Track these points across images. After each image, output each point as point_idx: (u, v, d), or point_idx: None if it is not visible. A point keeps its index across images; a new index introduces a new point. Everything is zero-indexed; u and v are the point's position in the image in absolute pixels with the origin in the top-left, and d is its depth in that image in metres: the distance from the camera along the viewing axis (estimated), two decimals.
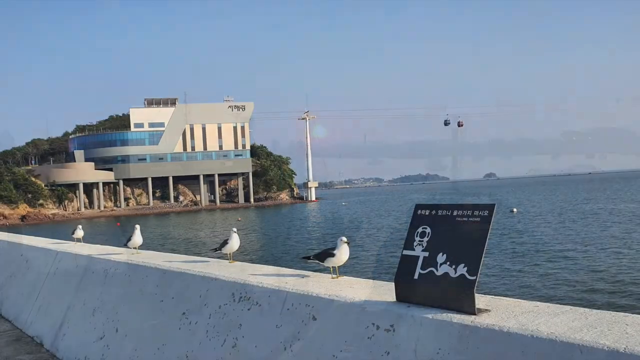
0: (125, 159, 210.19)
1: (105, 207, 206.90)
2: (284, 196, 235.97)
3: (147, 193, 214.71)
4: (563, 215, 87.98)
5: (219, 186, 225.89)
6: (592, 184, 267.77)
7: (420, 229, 4.99)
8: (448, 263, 4.56)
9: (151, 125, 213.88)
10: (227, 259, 8.44)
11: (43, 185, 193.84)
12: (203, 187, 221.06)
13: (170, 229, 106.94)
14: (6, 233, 20.85)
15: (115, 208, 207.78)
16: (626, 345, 3.45)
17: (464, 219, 4.66)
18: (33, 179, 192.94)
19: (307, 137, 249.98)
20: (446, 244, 4.69)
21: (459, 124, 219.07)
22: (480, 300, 4.63)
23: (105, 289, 9.47)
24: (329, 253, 6.41)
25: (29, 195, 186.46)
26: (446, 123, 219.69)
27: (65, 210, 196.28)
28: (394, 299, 4.99)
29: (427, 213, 5.04)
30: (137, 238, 10.08)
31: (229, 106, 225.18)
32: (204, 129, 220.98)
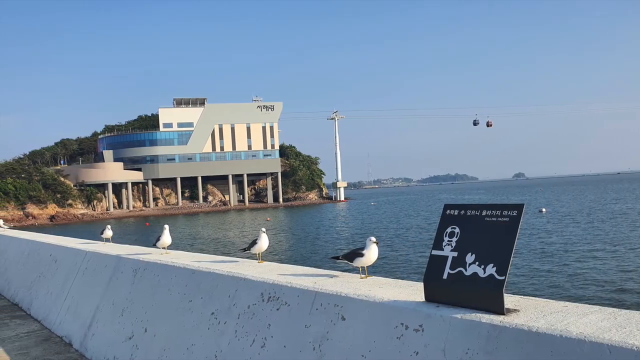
0: (154, 159, 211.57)
1: (134, 207, 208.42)
2: (313, 196, 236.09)
3: (176, 193, 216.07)
4: (592, 215, 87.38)
5: (248, 186, 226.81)
6: (621, 184, 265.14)
7: (449, 229, 5.05)
8: (477, 263, 4.62)
9: (180, 125, 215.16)
10: (256, 259, 8.52)
11: (72, 185, 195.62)
12: (232, 187, 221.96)
13: (199, 229, 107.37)
14: (35, 233, 21.13)
15: (144, 208, 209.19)
16: None
17: (493, 219, 4.72)
18: (62, 179, 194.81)
19: (336, 137, 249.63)
20: (475, 244, 4.75)
21: (488, 124, 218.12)
22: (509, 300, 4.69)
23: (134, 288, 9.54)
24: (357, 253, 6.48)
25: (58, 196, 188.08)
26: (475, 123, 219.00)
27: (94, 210, 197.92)
28: (423, 299, 5.06)
29: (455, 213, 5.11)
30: (166, 238, 10.17)
31: (258, 106, 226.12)
32: (232, 129, 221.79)
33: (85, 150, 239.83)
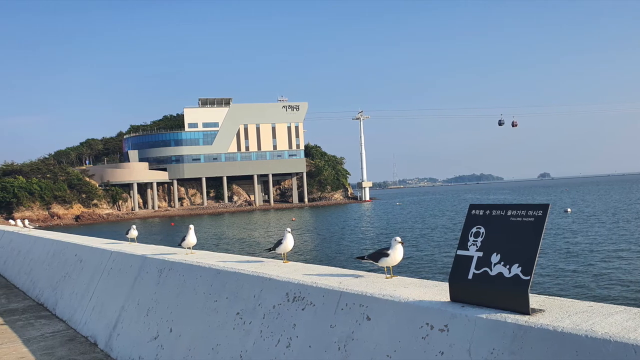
0: (179, 159, 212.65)
1: (159, 207, 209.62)
2: (338, 196, 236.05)
3: (201, 193, 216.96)
4: (617, 215, 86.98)
5: (273, 186, 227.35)
6: None
7: (474, 229, 5.10)
8: (502, 263, 4.66)
9: (205, 125, 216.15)
10: (281, 259, 8.58)
11: (97, 185, 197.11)
12: (257, 187, 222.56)
13: (224, 229, 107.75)
14: (60, 233, 21.31)
15: (169, 208, 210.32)
16: None
17: (518, 219, 4.75)
18: (87, 179, 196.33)
19: (361, 137, 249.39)
20: (500, 244, 4.78)
21: (513, 124, 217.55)
22: (534, 300, 4.74)
23: (159, 288, 9.61)
24: (383, 253, 6.53)
25: (83, 195, 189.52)
26: (500, 123, 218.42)
27: (119, 210, 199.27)
28: (448, 299, 5.11)
29: (481, 213, 5.15)
30: (191, 238, 10.22)
31: (283, 106, 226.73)
32: (258, 129, 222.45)
33: (110, 150, 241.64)
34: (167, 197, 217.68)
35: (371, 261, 6.66)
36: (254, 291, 7.35)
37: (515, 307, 4.45)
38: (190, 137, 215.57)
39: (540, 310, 4.46)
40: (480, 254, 4.89)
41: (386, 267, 6.56)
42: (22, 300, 16.49)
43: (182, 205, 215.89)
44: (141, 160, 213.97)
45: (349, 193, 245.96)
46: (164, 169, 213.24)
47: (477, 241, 5.00)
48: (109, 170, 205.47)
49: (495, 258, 4.73)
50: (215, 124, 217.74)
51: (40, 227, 34.52)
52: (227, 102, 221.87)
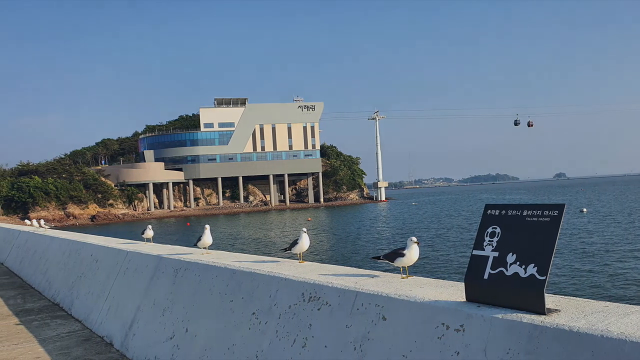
0: (195, 159, 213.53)
1: (175, 207, 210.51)
2: (354, 196, 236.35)
3: (217, 193, 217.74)
4: (633, 215, 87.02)
5: (289, 186, 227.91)
6: None
7: (490, 229, 5.12)
8: (518, 263, 4.68)
9: (221, 125, 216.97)
10: (297, 259, 8.61)
11: (113, 185, 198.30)
12: (273, 187, 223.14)
13: (240, 229, 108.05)
14: (76, 233, 21.43)
15: (185, 208, 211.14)
16: None
17: (534, 219, 4.77)
18: (103, 179, 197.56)
19: (377, 137, 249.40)
20: (516, 244, 4.80)
21: (529, 124, 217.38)
22: (550, 300, 4.76)
23: (175, 289, 9.64)
24: (398, 253, 6.56)
25: (99, 195, 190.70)
26: (516, 123, 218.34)
27: (135, 210, 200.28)
28: (464, 299, 5.14)
29: (496, 213, 5.17)
30: (207, 238, 10.25)
31: (299, 106, 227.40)
32: (273, 129, 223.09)
33: (126, 150, 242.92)
34: (182, 197, 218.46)
35: (387, 261, 6.69)
36: (269, 291, 7.38)
37: (531, 307, 4.47)
38: (206, 137, 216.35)
39: (556, 310, 4.48)
40: (496, 254, 4.91)
41: (402, 267, 6.59)
42: (38, 300, 16.58)
43: (197, 205, 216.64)
44: (157, 160, 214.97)
45: (364, 193, 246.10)
46: (180, 169, 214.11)
47: (492, 241, 5.02)
48: (124, 170, 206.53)
49: (511, 258, 4.75)
50: (231, 124, 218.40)
51: (56, 227, 34.69)
52: (242, 102, 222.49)
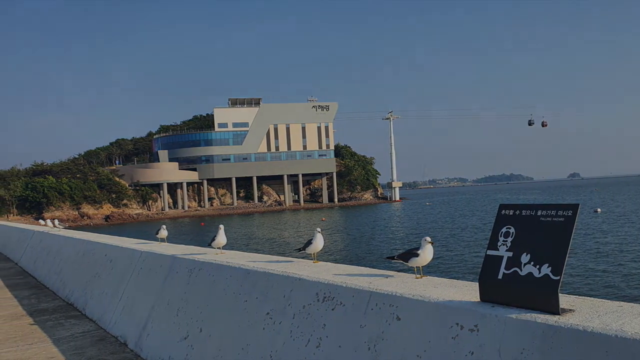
0: (209, 159, 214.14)
1: (189, 207, 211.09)
2: (368, 196, 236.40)
3: (231, 193, 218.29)
4: None
5: (303, 186, 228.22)
6: None
7: (504, 229, 5.14)
8: (532, 263, 4.70)
9: (235, 125, 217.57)
10: (311, 259, 8.64)
11: (127, 185, 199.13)
12: (287, 187, 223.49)
13: (254, 229, 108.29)
14: (90, 233, 21.53)
15: (199, 208, 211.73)
16: None
17: (548, 219, 4.79)
18: (117, 179, 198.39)
19: (391, 137, 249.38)
20: (530, 244, 4.82)
21: (543, 124, 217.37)
22: (564, 300, 4.78)
23: (189, 288, 9.67)
24: (413, 253, 6.58)
25: (113, 195, 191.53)
26: (530, 123, 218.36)
27: (149, 210, 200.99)
28: (478, 299, 5.15)
29: (511, 213, 5.18)
30: (221, 238, 10.28)
31: (313, 106, 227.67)
32: (287, 129, 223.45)
33: (140, 150, 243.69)
34: (197, 197, 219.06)
35: (401, 261, 6.71)
36: (283, 291, 7.40)
37: (545, 307, 4.49)
38: (220, 137, 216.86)
39: (570, 310, 4.49)
40: (510, 254, 4.93)
41: (416, 267, 6.61)
42: (52, 300, 16.66)
43: (212, 205, 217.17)
44: (171, 160, 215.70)
45: (378, 193, 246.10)
46: (194, 169, 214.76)
47: (507, 241, 5.03)
48: (138, 170, 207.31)
49: (525, 258, 4.77)
50: (245, 124, 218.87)
51: (70, 227, 34.86)
52: (256, 102, 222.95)
